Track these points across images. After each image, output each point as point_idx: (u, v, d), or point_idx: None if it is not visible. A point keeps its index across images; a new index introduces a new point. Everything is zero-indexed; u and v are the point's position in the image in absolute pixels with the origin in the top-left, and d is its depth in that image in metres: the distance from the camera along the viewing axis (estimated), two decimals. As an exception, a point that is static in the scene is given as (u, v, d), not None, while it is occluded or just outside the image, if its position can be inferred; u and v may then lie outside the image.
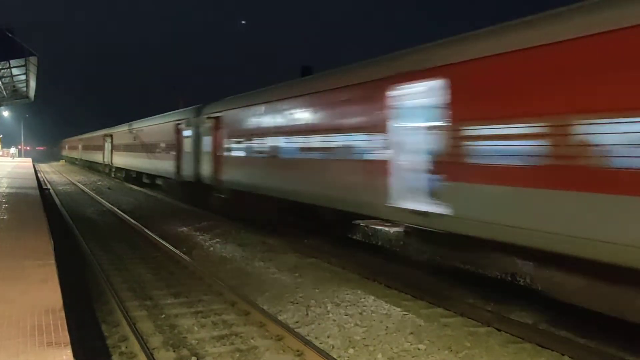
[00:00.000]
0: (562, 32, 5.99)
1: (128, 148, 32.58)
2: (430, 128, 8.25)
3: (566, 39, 5.91)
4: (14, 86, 36.55)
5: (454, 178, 7.39)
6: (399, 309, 8.01)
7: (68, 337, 4.80)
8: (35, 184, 23.63)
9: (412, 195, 8.43)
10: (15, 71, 30.43)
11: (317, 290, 9.04)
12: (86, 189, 29.64)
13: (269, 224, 14.39)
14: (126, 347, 6.46)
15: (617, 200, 5.32)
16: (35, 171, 37.42)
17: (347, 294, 8.81)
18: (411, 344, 6.66)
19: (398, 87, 8.62)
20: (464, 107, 7.29)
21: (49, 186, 30.98)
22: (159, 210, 20.35)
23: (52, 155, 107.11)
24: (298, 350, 6.27)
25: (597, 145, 5.51)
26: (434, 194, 8.02)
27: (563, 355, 6.30)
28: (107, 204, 21.83)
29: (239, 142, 15.16)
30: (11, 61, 27.07)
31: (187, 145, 20.01)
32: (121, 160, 35.41)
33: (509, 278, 9.93)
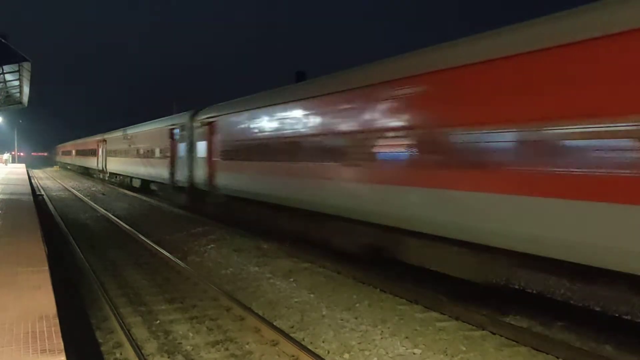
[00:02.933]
0: None
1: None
2: None
3: None
4: (7, 92, 36.32)
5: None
6: (394, 314, 8.02)
7: (62, 344, 4.77)
8: (28, 189, 23.50)
9: None
10: (8, 77, 30.25)
11: (312, 295, 9.04)
12: (80, 195, 29.49)
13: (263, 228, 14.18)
14: (121, 354, 6.43)
15: None
16: (29, 177, 37.22)
17: (342, 298, 8.81)
18: (406, 349, 6.66)
19: None
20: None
21: (42, 192, 30.81)
22: (153, 216, 20.26)
23: (49, 161, 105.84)
24: (293, 356, 6.26)
25: None
26: None
27: (558, 358, 6.32)
28: (101, 209, 21.72)
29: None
30: (4, 67, 26.91)
31: None
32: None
33: (503, 281, 9.94)
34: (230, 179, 15.35)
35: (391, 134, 8.75)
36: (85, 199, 27.15)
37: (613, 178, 5.45)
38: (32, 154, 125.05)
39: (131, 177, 30.83)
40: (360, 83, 9.74)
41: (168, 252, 12.29)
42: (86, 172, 50.42)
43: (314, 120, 11.02)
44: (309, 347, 6.52)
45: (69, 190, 33.63)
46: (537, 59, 6.31)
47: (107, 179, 37.76)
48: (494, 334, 7.14)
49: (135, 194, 29.31)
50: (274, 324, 7.40)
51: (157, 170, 23.88)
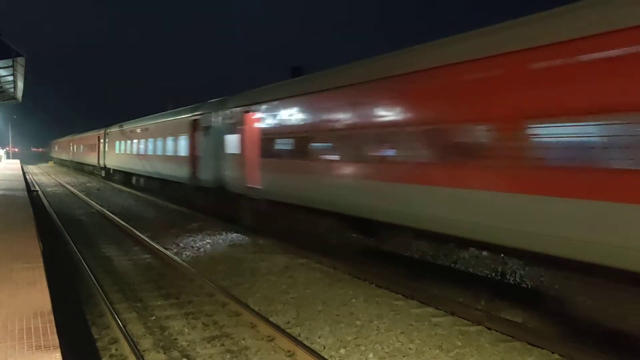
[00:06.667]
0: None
1: None
2: None
3: None
4: (1, 87, 36.06)
5: None
6: (389, 309, 8.04)
7: (57, 340, 4.76)
8: (23, 185, 23.40)
9: None
10: (2, 72, 30.04)
11: (308, 291, 9.05)
12: (75, 190, 29.38)
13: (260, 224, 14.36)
14: (116, 350, 6.42)
15: None
16: (24, 173, 37.06)
17: (338, 294, 8.83)
18: (402, 344, 6.68)
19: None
20: None
21: (37, 188, 30.66)
22: (148, 212, 20.22)
23: (45, 157, 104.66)
24: (289, 351, 6.27)
25: None
26: None
27: (553, 353, 6.36)
28: (97, 205, 21.65)
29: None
30: (-2, 62, 26.70)
31: None
32: None
33: (498, 277, 10.01)
34: (118, 163, 32.10)
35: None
36: (80, 194, 27.06)
37: None
38: (32, 149, 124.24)
39: (83, 164, 48.60)
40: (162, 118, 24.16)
41: (164, 248, 12.26)
42: (64, 163, 66.21)
43: (148, 138, 25.10)
44: (305, 342, 6.53)
45: (64, 186, 33.51)
46: None
47: (74, 166, 55.79)
48: (490, 329, 7.17)
49: (130, 190, 29.26)
50: (270, 319, 7.41)
51: (92, 159, 41.30)
